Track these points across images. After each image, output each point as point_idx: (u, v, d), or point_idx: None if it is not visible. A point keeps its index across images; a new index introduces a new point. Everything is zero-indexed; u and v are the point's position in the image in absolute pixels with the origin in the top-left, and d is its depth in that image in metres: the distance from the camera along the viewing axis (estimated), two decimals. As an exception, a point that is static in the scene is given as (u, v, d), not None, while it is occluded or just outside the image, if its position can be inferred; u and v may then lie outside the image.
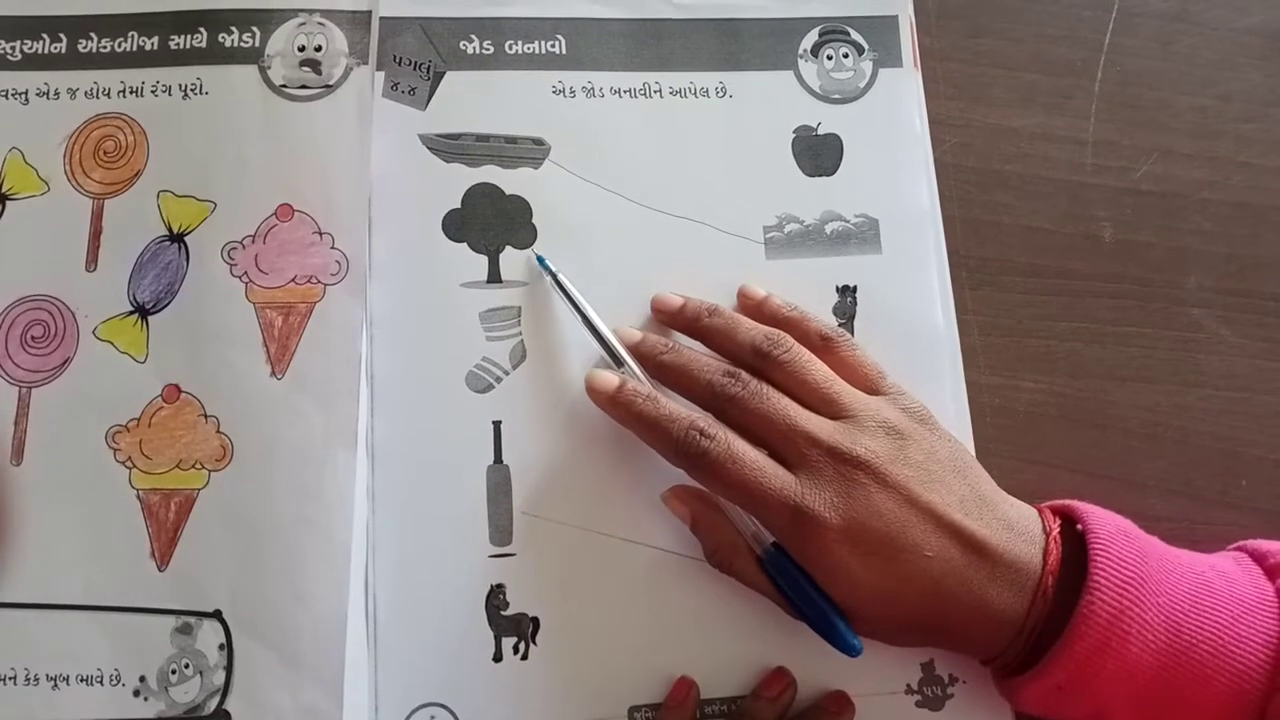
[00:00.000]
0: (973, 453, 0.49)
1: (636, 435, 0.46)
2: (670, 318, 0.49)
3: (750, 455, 0.43)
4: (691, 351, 0.47)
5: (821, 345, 0.47)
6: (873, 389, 0.46)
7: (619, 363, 0.47)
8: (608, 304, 0.49)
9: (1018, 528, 0.43)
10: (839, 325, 0.50)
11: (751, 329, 0.47)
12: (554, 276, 0.49)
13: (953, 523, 0.42)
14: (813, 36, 0.55)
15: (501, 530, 0.47)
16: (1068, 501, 0.45)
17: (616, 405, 0.46)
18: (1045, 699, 0.42)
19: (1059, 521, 0.44)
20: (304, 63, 0.50)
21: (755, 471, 0.42)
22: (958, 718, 0.47)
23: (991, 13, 0.57)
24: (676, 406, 0.45)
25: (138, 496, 0.45)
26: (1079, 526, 0.43)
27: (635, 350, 0.47)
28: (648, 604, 0.47)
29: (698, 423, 0.44)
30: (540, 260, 0.49)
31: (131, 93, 0.50)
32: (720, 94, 0.53)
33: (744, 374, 0.45)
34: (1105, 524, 0.42)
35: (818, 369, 0.45)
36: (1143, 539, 0.43)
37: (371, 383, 0.48)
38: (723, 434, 0.43)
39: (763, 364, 0.46)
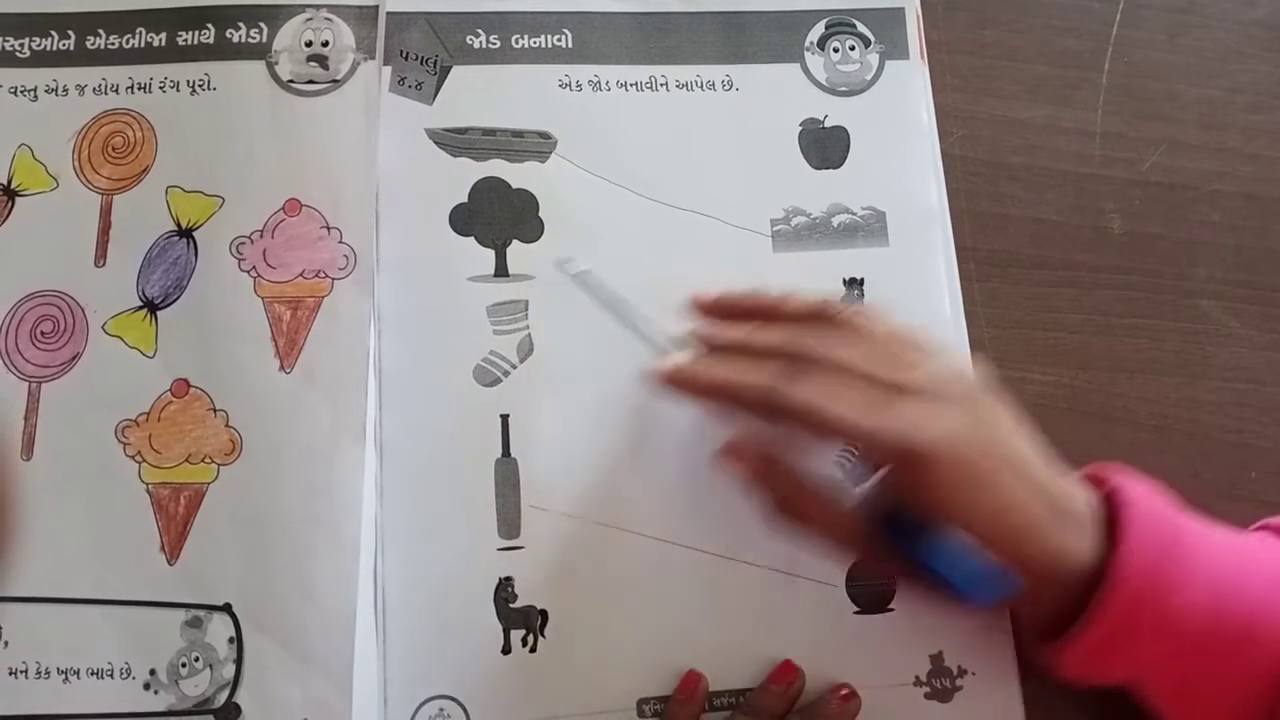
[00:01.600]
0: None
1: (717, 405, 0.44)
2: (712, 311, 0.48)
3: (850, 392, 0.40)
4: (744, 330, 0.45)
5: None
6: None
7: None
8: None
9: (1071, 483, 0.42)
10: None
11: (802, 297, 0.45)
12: (584, 280, 0.49)
13: (1033, 467, 0.41)
14: (819, 29, 0.55)
15: (509, 523, 0.47)
16: (1096, 468, 0.44)
17: (691, 378, 0.44)
18: (1085, 661, 0.41)
19: (1096, 486, 0.43)
20: (311, 58, 0.50)
21: (858, 408, 0.40)
22: (966, 709, 0.47)
23: (998, 5, 0.57)
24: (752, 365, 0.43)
25: (147, 491, 0.45)
26: (1108, 487, 0.42)
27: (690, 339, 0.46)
28: (656, 597, 0.47)
29: (788, 367, 0.41)
30: (570, 269, 0.49)
31: (140, 89, 0.50)
32: (727, 87, 0.53)
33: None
34: (1135, 483, 0.42)
35: (882, 325, 0.43)
36: (1175, 504, 0.42)
37: (379, 377, 0.48)
38: (813, 375, 0.41)
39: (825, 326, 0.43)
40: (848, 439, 0.42)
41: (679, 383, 0.44)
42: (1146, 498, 0.41)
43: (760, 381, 0.41)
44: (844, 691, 0.46)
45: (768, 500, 0.44)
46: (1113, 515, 0.41)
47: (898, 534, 0.42)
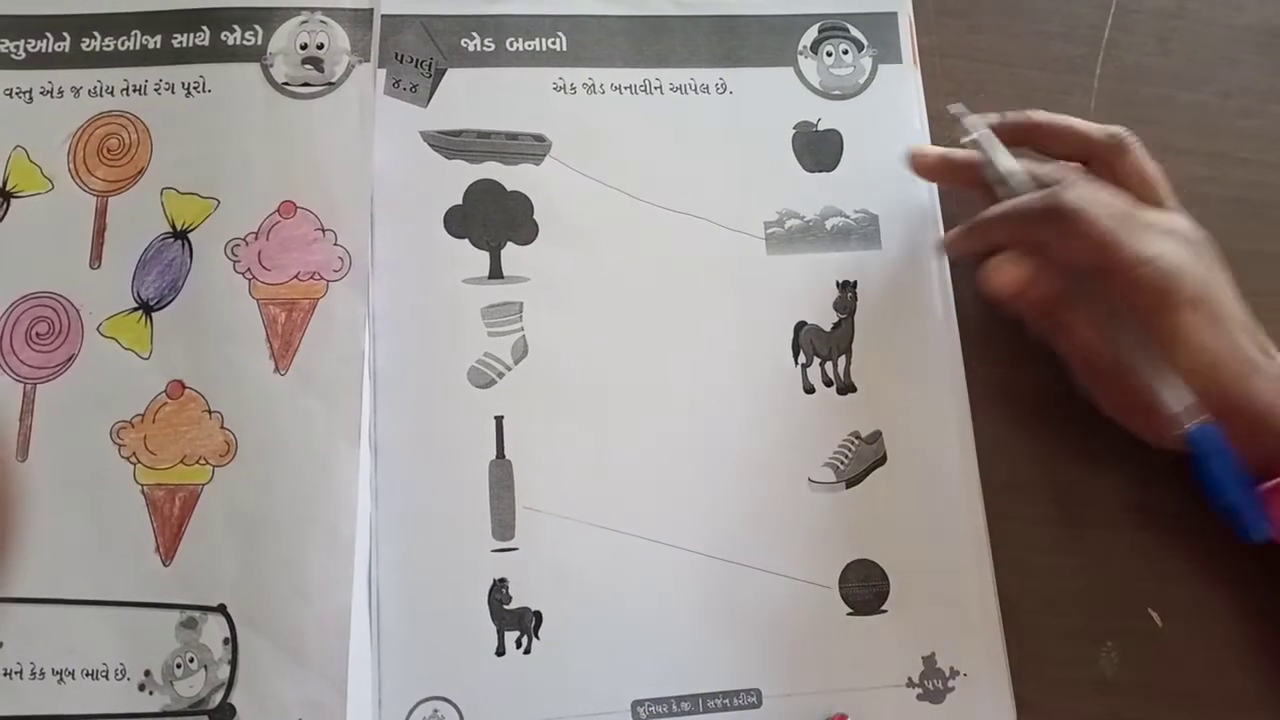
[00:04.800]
0: (973, 448, 0.50)
1: (1004, 230, 0.48)
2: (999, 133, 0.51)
3: (1122, 210, 0.46)
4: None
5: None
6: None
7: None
8: (608, 299, 0.50)
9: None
10: (839, 320, 0.51)
11: (1090, 123, 0.49)
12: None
13: (1249, 325, 0.46)
14: (812, 33, 0.55)
15: (504, 525, 0.47)
16: None
17: (983, 218, 0.49)
18: None
19: None
20: (306, 60, 0.50)
21: (1127, 227, 0.45)
22: (959, 711, 0.47)
23: (990, 9, 0.58)
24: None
25: (142, 492, 0.45)
26: None
27: (1001, 123, 0.50)
28: (650, 598, 0.47)
29: (1071, 179, 0.47)
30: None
31: (135, 91, 0.50)
32: (720, 90, 0.54)
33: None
34: None
35: (1155, 166, 0.49)
36: None
37: (374, 378, 0.48)
38: (1094, 189, 0.46)
39: (1117, 153, 0.48)
40: (1105, 250, 0.45)
41: (974, 227, 0.49)
42: None
43: (1045, 195, 0.46)
44: None
45: (1036, 306, 0.48)
46: None
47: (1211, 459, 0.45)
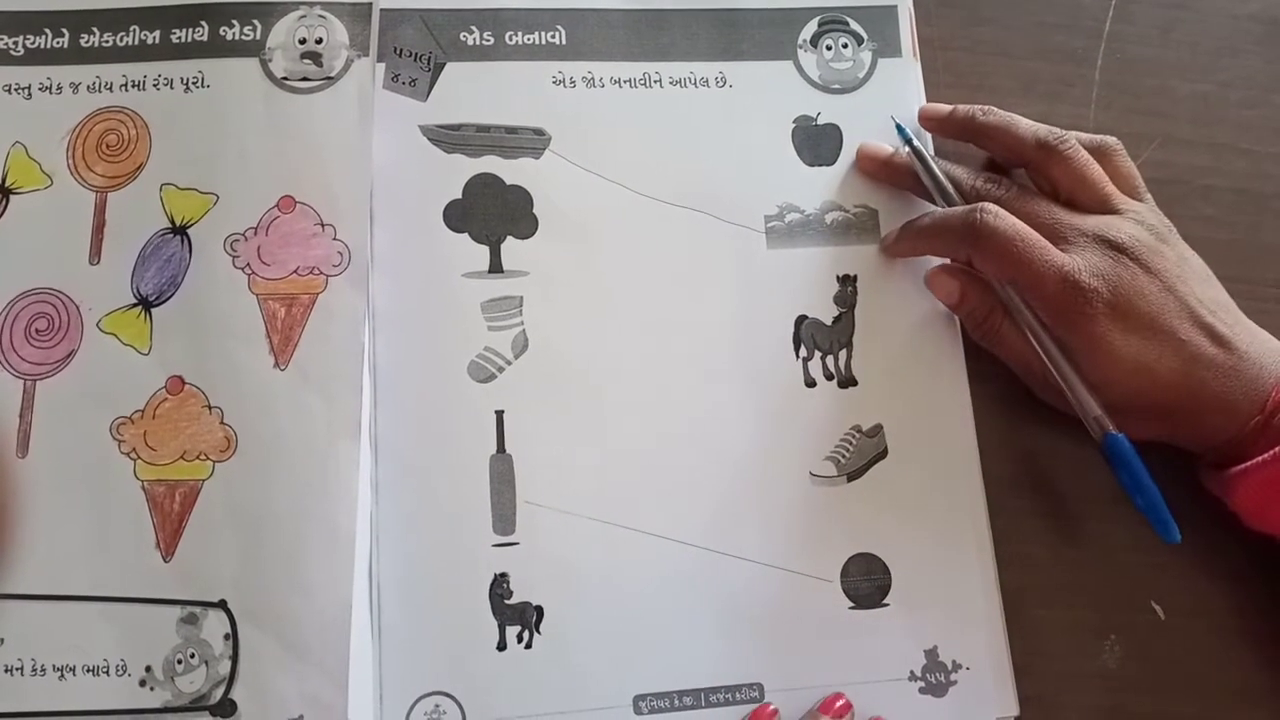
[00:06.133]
0: (974, 441, 0.49)
1: (929, 244, 0.50)
2: (940, 124, 0.52)
3: (1032, 233, 0.46)
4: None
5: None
6: (1134, 198, 0.49)
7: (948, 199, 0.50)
8: (608, 293, 0.50)
9: (1260, 337, 0.47)
10: (840, 314, 0.51)
11: (1032, 124, 0.50)
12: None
13: (1203, 318, 0.46)
14: (812, 27, 0.55)
15: (505, 519, 0.47)
16: None
17: (910, 229, 0.50)
18: (1264, 490, 0.44)
19: None
20: (305, 55, 0.50)
21: (1038, 246, 0.46)
22: (961, 704, 0.47)
23: (990, 1, 0.57)
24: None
25: (142, 488, 0.45)
26: None
27: (951, 116, 0.52)
28: (652, 593, 0.47)
29: (986, 205, 0.47)
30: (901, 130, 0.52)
31: (134, 86, 0.50)
32: (720, 84, 0.53)
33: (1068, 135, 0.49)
34: None
35: (1096, 168, 0.49)
36: None
37: (374, 373, 0.48)
38: (1007, 214, 0.47)
39: (1045, 157, 0.49)
40: (1018, 268, 0.46)
41: (906, 236, 0.51)
42: None
43: (967, 212, 0.47)
44: (839, 703, 0.46)
45: (972, 316, 0.50)
46: None
47: (1124, 467, 0.46)
